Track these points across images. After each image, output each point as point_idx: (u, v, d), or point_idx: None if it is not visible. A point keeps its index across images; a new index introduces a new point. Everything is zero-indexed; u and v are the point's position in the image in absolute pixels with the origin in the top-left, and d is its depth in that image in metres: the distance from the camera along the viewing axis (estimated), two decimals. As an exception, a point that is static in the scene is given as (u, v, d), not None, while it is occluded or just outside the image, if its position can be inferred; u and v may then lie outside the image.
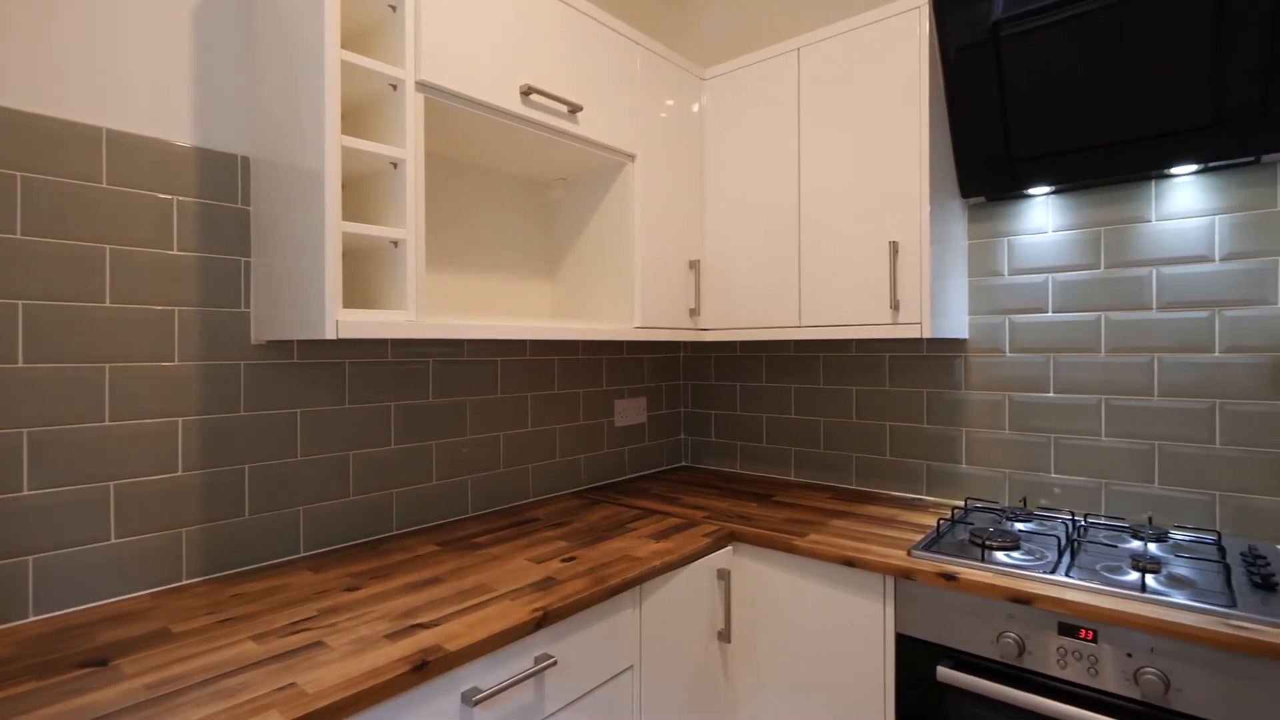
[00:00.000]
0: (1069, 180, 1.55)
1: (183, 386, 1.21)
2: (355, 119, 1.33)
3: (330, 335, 1.09)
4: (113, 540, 1.14)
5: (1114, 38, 1.35)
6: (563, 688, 1.14)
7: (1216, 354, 1.47)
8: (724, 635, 1.51)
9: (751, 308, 1.86)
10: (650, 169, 1.77)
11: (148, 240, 1.18)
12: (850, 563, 1.37)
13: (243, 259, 1.29)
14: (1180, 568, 1.25)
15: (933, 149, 1.57)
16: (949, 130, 1.64)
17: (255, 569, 1.29)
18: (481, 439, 1.72)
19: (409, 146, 1.22)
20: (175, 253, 1.21)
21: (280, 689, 0.83)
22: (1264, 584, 1.14)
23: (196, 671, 0.88)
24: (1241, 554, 1.31)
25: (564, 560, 1.33)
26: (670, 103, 1.85)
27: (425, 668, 0.91)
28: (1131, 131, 1.42)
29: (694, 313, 1.92)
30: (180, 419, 1.21)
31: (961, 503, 1.80)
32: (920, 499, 1.86)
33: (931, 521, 1.61)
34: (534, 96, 1.44)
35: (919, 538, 1.47)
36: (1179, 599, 1.10)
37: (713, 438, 2.34)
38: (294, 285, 1.18)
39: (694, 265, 1.91)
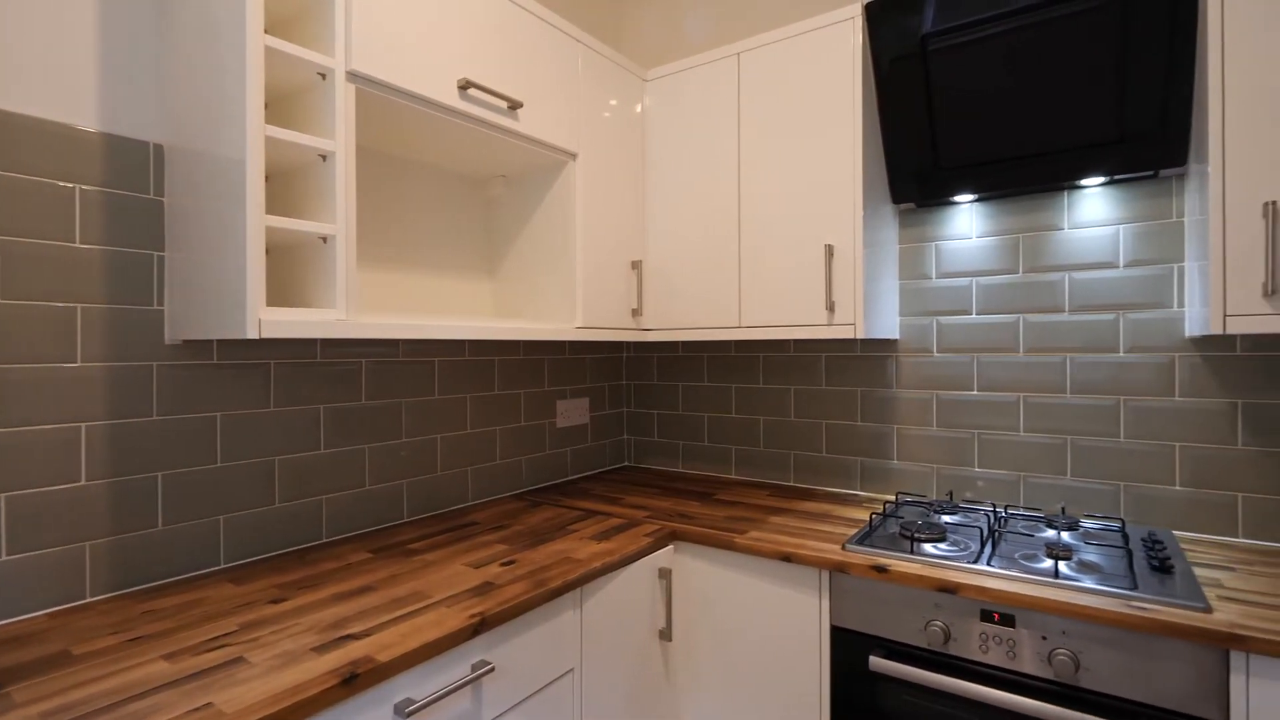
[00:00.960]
0: (991, 189, 1.63)
1: (87, 389, 1.13)
2: (281, 108, 1.26)
3: (252, 335, 1.03)
4: (3, 557, 1.04)
5: (1031, 57, 1.42)
6: (501, 694, 1.12)
7: (1121, 354, 1.58)
8: (665, 634, 1.52)
9: (693, 308, 1.88)
10: (592, 168, 1.76)
11: (46, 232, 1.09)
12: (788, 558, 1.40)
13: (156, 253, 1.21)
14: (1089, 554, 1.33)
15: (866, 156, 1.63)
16: (881, 138, 1.70)
17: (170, 583, 1.21)
18: (418, 442, 1.67)
19: (339, 138, 1.17)
20: (78, 246, 1.12)
21: (195, 710, 0.79)
22: (1161, 567, 1.23)
23: (100, 696, 0.82)
24: (1142, 539, 1.41)
25: (503, 564, 1.31)
26: (613, 103, 1.85)
27: (355, 680, 0.88)
28: (1047, 145, 1.50)
29: (636, 313, 1.92)
30: (84, 424, 1.13)
31: (893, 497, 1.87)
32: (855, 494, 1.92)
33: (865, 516, 1.66)
34: (472, 91, 1.41)
35: (853, 532, 1.52)
36: (1088, 584, 1.17)
37: (655, 437, 2.35)
38: (213, 282, 1.11)
39: (636, 266, 1.91)
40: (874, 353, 1.91)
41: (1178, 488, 1.51)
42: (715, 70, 1.83)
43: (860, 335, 1.60)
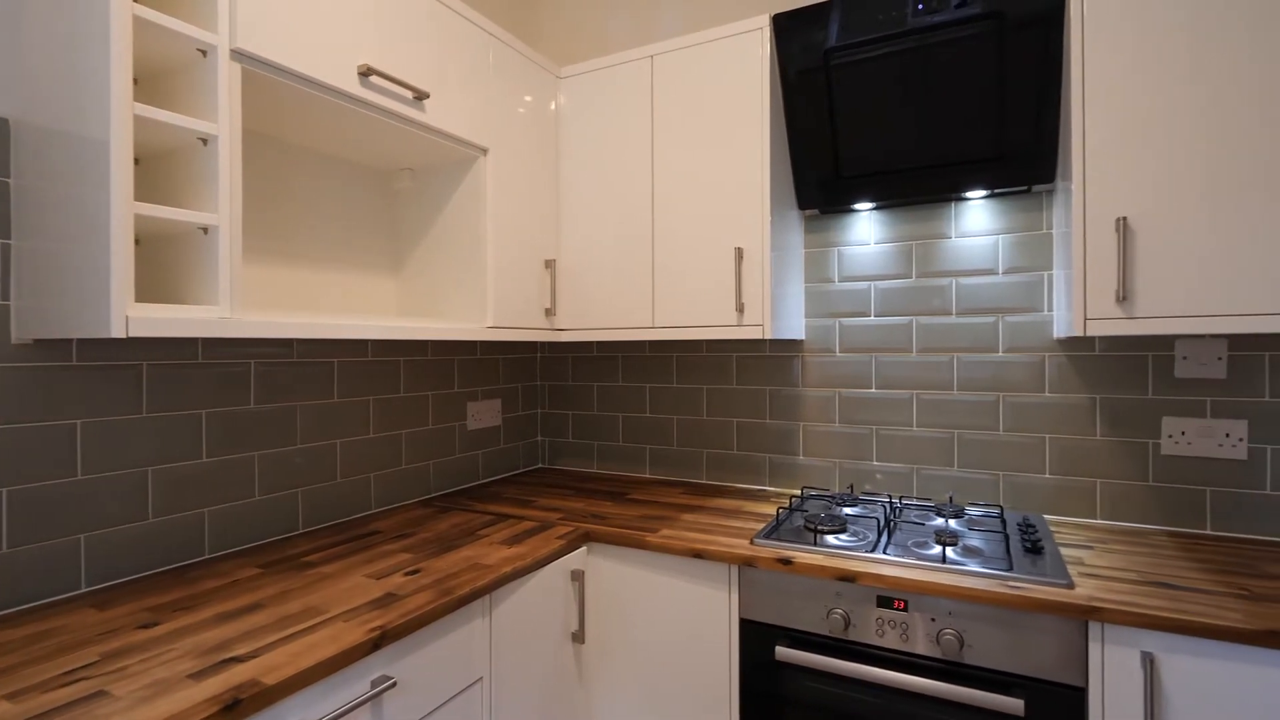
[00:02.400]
0: (887, 198, 1.73)
1: (-89, 395, 0.99)
2: (156, 85, 1.16)
3: (118, 334, 0.94)
4: None
5: (921, 76, 1.52)
6: (405, 709, 1.07)
7: (1000, 354, 1.71)
8: (578, 636, 1.51)
9: (607, 308, 1.88)
10: (504, 164, 1.72)
11: None
12: (698, 555, 1.42)
13: (1, 241, 1.08)
14: (973, 540, 1.44)
15: (774, 162, 1.68)
16: (788, 146, 1.76)
17: (19, 612, 1.08)
18: (315, 448, 1.58)
19: (222, 121, 1.08)
20: (-101, 230, 0.98)
21: (43, 753, 0.70)
22: (1033, 549, 1.34)
23: (-77, 745, 0.72)
24: (1018, 524, 1.53)
25: (407, 574, 1.26)
26: (527, 99, 1.82)
27: (238, 706, 0.81)
28: (935, 159, 1.61)
29: (550, 313, 1.90)
30: (-93, 435, 0.98)
31: (799, 491, 1.94)
32: (764, 490, 1.98)
33: (773, 511, 1.72)
34: (374, 79, 1.35)
35: (761, 527, 1.56)
36: (972, 567, 1.26)
37: (570, 438, 2.33)
38: (71, 275, 1.00)
39: (550, 265, 1.89)
40: (781, 353, 1.98)
41: (1047, 476, 1.66)
42: (628, 71, 1.84)
43: (768, 336, 1.65)
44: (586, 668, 1.57)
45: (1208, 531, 1.51)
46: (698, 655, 1.46)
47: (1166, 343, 1.55)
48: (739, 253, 1.66)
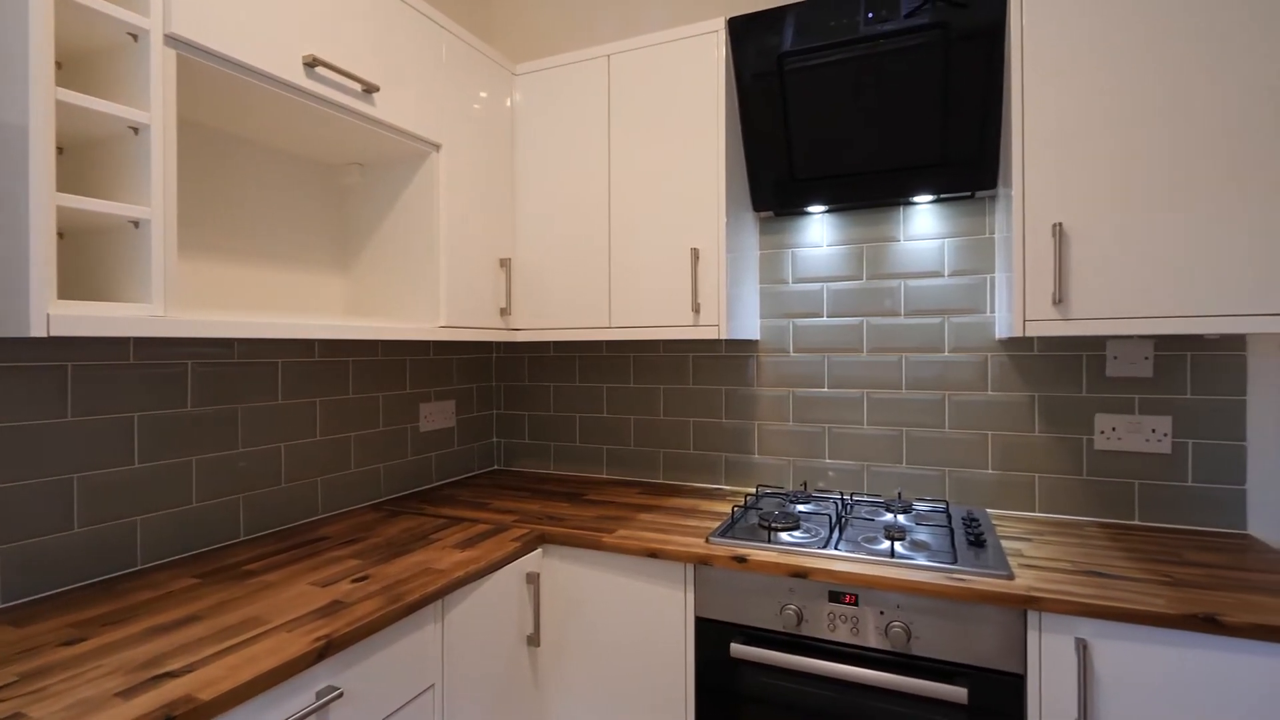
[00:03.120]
0: (838, 201, 1.76)
1: None
2: (81, 70, 1.09)
3: (38, 333, 0.88)
4: None
5: (872, 83, 1.56)
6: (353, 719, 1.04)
7: (946, 354, 1.77)
8: (533, 639, 1.49)
9: (564, 308, 1.87)
10: (457, 161, 1.69)
11: None
12: (654, 554, 1.43)
13: (-97, 232, 1.00)
14: (920, 534, 1.48)
15: (730, 164, 1.70)
16: (743, 148, 1.78)
17: (-75, 631, 1.00)
18: (258, 451, 1.52)
19: (155, 110, 1.03)
20: None
21: (-49, 783, 0.65)
22: (976, 541, 1.39)
23: None
24: (962, 518, 1.59)
25: (355, 580, 1.22)
26: (482, 95, 1.79)
27: (170, 724, 0.77)
28: (885, 163, 1.65)
29: (505, 312, 1.87)
30: None
31: (754, 490, 1.96)
32: (720, 488, 2.00)
33: (728, 509, 1.74)
34: (321, 70, 1.30)
35: (716, 525, 1.58)
36: (920, 561, 1.30)
37: (526, 439, 2.30)
38: (-16, 269, 0.94)
39: (505, 264, 1.87)
40: (737, 353, 2.01)
41: (990, 471, 1.72)
42: (585, 70, 1.83)
43: (724, 336, 1.66)
44: (542, 671, 1.55)
45: (1136, 522, 1.59)
46: (654, 655, 1.46)
47: (1099, 343, 1.62)
48: (695, 253, 1.67)
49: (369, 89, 1.40)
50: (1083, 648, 1.12)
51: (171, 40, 1.06)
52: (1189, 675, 1.08)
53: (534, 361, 2.29)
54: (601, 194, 1.81)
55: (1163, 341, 1.57)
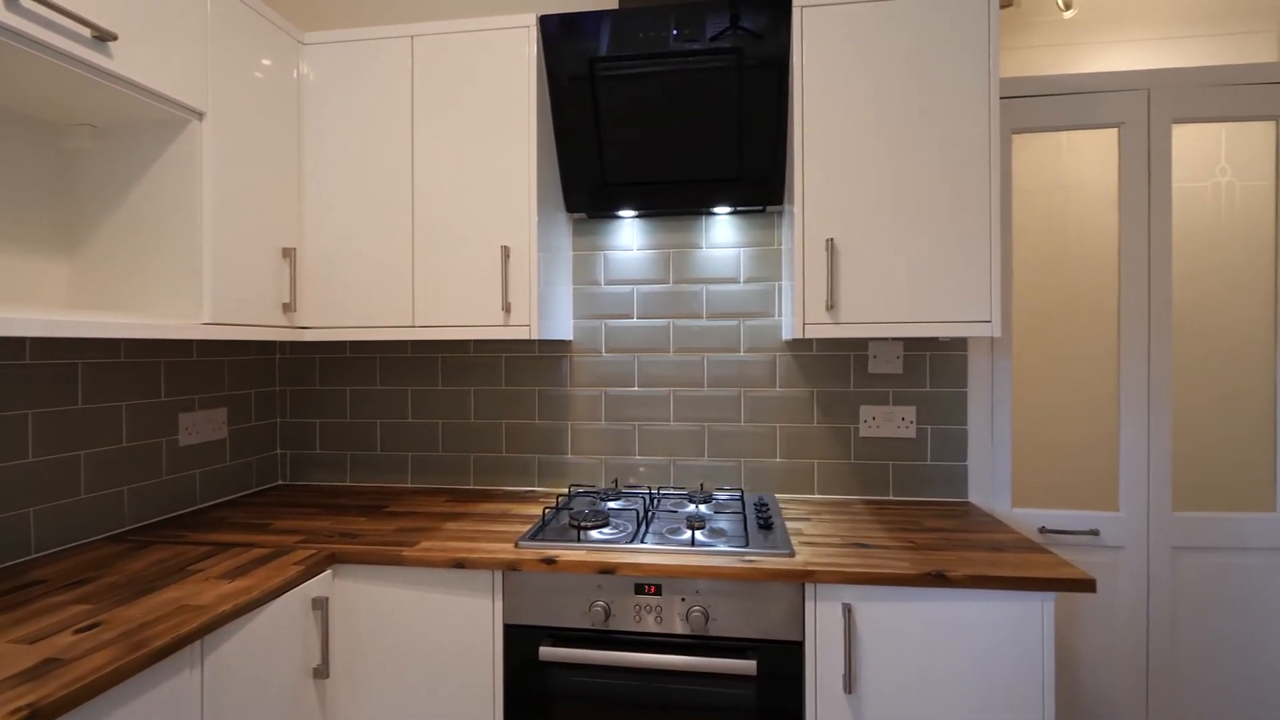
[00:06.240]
0: (647, 208, 1.83)
1: None
2: None
3: None
4: None
5: (677, 97, 1.64)
6: (71, 802, 0.85)
7: (742, 354, 1.92)
8: (321, 671, 1.35)
9: (361, 305, 1.71)
10: (227, 133, 1.47)
11: None
12: (460, 564, 1.36)
13: None
14: (719, 522, 1.59)
15: (542, 162, 1.68)
16: (556, 147, 1.78)
17: None
18: (-65, 479, 1.19)
19: None
20: None
21: None
22: (765, 524, 1.53)
23: None
24: (755, 504, 1.73)
25: (79, 631, 1.00)
26: (264, 62, 1.58)
27: None
28: (689, 174, 1.75)
29: (289, 308, 1.67)
30: None
31: (567, 490, 1.97)
32: (533, 491, 1.98)
33: (539, 511, 1.72)
34: (30, 4, 1.05)
35: (527, 528, 1.55)
36: (719, 546, 1.39)
37: (318, 449, 2.08)
38: None
39: (289, 254, 1.66)
40: (550, 353, 2.00)
41: (778, 460, 1.90)
42: (387, 49, 1.70)
43: (536, 336, 1.64)
44: (332, 704, 1.41)
45: (891, 497, 1.86)
46: (460, 670, 1.39)
47: (863, 344, 1.87)
48: (505, 251, 1.63)
49: (103, 36, 1.16)
50: (848, 611, 1.28)
51: None
52: (929, 624, 1.28)
53: (328, 363, 2.08)
54: (404, 184, 1.70)
55: (910, 343, 1.85)
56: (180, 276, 1.42)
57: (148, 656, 0.95)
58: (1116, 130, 1.79)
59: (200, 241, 1.41)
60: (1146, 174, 1.77)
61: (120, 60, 1.22)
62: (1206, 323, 1.83)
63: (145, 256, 1.44)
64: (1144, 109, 1.77)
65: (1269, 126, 1.76)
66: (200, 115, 1.42)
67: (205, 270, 1.42)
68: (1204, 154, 1.83)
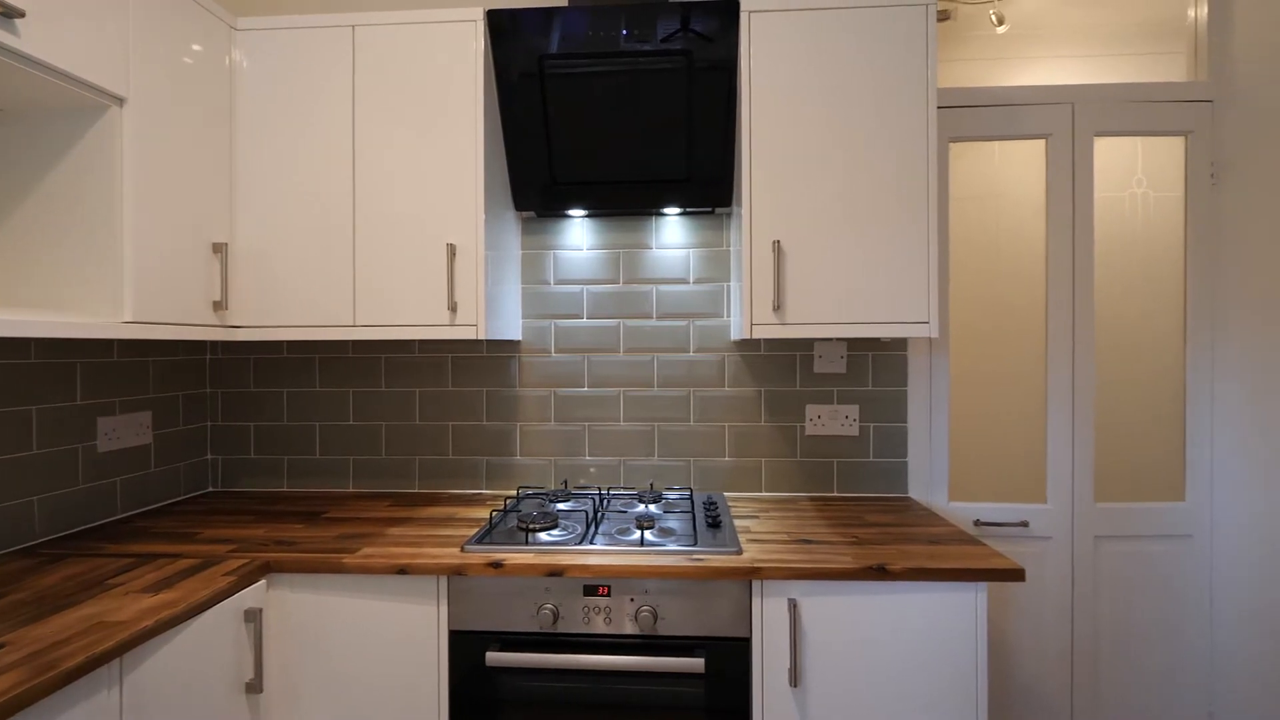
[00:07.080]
0: (597, 207, 1.82)
1: None
2: None
3: None
4: None
5: (628, 97, 1.64)
6: (-31, 839, 0.78)
7: (691, 353, 1.94)
8: (254, 686, 1.29)
9: (298, 303, 1.65)
10: (151, 120, 1.39)
11: None
12: (404, 570, 1.32)
13: None
14: (668, 521, 1.59)
15: (490, 160, 1.65)
16: (504, 145, 1.75)
17: None
18: None
19: None
20: None
21: None
22: (714, 523, 1.54)
23: None
24: (704, 503, 1.75)
25: (-20, 652, 0.93)
26: (194, 48, 1.50)
27: None
28: (640, 175, 1.74)
29: (220, 306, 1.59)
30: None
31: (515, 492, 1.94)
32: (480, 493, 1.94)
33: (487, 515, 1.69)
34: (-80, -27, 0.97)
35: (473, 532, 1.52)
36: (668, 546, 1.39)
37: (252, 454, 1.99)
38: None
39: (219, 249, 1.59)
40: (498, 353, 1.97)
41: (727, 458, 1.92)
42: (326, 38, 1.64)
43: (483, 336, 1.61)
44: (266, 718, 1.35)
45: (835, 494, 1.90)
46: (403, 679, 1.36)
47: (808, 344, 1.91)
48: (451, 249, 1.60)
49: (8, 12, 1.08)
50: (793, 606, 1.30)
51: None
52: (870, 616, 1.31)
53: (263, 364, 1.99)
54: (345, 178, 1.64)
55: (853, 343, 1.90)
56: (99, 273, 1.33)
57: (59, 678, 0.88)
58: (1044, 141, 1.88)
59: (120, 236, 1.33)
60: (1071, 184, 1.87)
61: (29, 39, 1.14)
62: (1124, 325, 1.94)
63: (60, 251, 1.34)
64: (1069, 122, 1.86)
65: (1179, 141, 1.89)
66: (121, 101, 1.34)
67: (126, 266, 1.33)
68: (1122, 166, 1.95)
